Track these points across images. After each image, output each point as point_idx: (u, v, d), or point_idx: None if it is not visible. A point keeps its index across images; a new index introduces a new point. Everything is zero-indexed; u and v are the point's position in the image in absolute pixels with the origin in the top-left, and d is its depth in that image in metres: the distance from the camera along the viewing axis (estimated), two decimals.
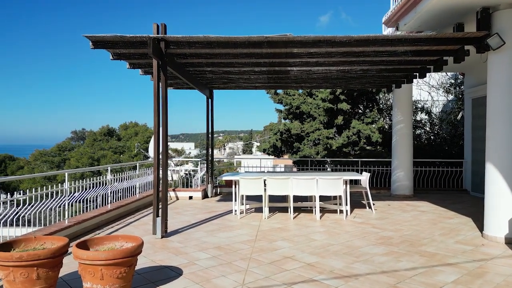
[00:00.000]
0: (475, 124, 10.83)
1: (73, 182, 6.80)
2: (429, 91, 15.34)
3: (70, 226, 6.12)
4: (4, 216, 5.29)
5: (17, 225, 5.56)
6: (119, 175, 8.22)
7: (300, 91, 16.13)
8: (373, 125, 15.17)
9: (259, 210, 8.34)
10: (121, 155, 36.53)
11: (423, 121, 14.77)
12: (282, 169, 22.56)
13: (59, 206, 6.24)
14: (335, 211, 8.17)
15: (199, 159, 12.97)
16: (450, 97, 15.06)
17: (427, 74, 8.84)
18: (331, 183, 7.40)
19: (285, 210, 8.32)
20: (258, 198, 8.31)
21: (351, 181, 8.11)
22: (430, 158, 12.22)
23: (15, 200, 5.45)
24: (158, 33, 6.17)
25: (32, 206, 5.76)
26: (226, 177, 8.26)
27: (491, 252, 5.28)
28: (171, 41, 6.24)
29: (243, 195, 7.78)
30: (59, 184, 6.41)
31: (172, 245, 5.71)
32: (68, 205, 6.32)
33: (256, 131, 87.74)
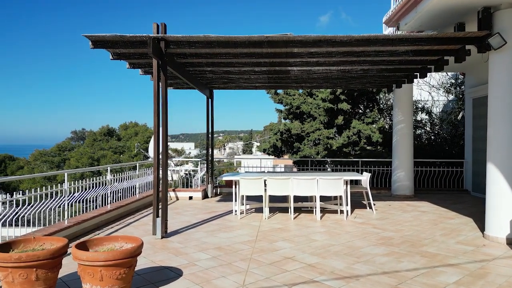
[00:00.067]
0: (476, 124, 10.81)
1: (73, 182, 6.78)
2: (429, 91, 15.32)
3: (69, 226, 6.10)
4: (4, 216, 5.27)
5: (17, 225, 5.54)
6: (119, 175, 8.20)
7: (300, 91, 16.11)
8: (374, 125, 15.15)
9: (259, 210, 8.32)
10: (121, 155, 36.52)
11: (423, 121, 14.75)
12: (282, 169, 22.55)
13: (59, 206, 6.22)
14: (335, 212, 8.15)
15: (199, 159, 12.95)
16: (451, 97, 15.04)
17: (428, 74, 8.82)
18: (332, 183, 7.38)
19: (285, 210, 8.30)
20: (258, 199, 8.29)
21: (351, 181, 8.08)
22: (431, 158, 12.20)
23: (14, 200, 5.42)
24: (158, 32, 6.15)
25: (32, 206, 5.74)
26: (226, 177, 8.24)
27: (492, 253, 5.26)
28: (171, 40, 6.22)
29: (243, 195, 7.76)
30: (59, 184, 6.39)
31: (172, 245, 5.69)
32: (68, 205, 6.29)
33: (256, 131, 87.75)
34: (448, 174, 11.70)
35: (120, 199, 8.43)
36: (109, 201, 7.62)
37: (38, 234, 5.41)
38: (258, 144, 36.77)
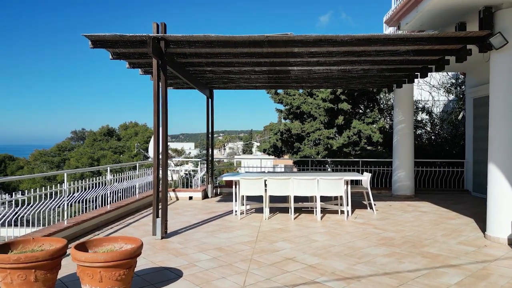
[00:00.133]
0: (477, 124, 10.79)
1: (72, 182, 6.75)
2: (430, 91, 15.30)
3: (69, 227, 6.07)
4: (3, 217, 5.25)
5: (16, 225, 5.51)
6: (119, 175, 8.18)
7: (301, 91, 16.08)
8: (374, 125, 15.12)
9: (260, 210, 8.29)
10: (121, 155, 36.51)
11: (424, 121, 14.73)
12: (282, 169, 22.53)
13: (59, 207, 6.20)
14: (336, 212, 8.12)
15: (199, 159, 12.93)
16: (451, 97, 15.02)
17: (428, 74, 8.80)
18: (332, 184, 7.36)
19: (285, 210, 8.27)
20: (259, 199, 8.26)
21: (352, 181, 8.06)
22: (431, 158, 12.18)
23: (13, 200, 5.40)
24: (158, 32, 6.12)
25: (31, 206, 5.72)
26: (226, 178, 8.21)
27: (494, 253, 5.23)
28: (171, 40, 6.19)
29: (243, 196, 7.73)
30: (58, 184, 6.36)
31: (172, 246, 5.66)
32: (67, 205, 6.27)
33: (256, 131, 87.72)
34: (449, 174, 11.67)
35: (120, 199, 8.40)
36: (109, 202, 7.60)
37: (37, 235, 5.39)
38: (258, 144, 36.76)
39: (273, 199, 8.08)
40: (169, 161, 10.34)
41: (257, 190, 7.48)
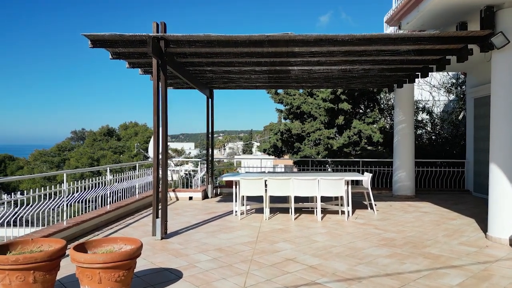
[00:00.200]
0: (477, 124, 10.76)
1: (72, 182, 6.72)
2: (430, 91, 15.27)
3: (68, 227, 6.04)
4: (3, 217, 5.22)
5: (15, 225, 5.49)
6: (119, 175, 8.15)
7: (301, 91, 16.06)
8: (374, 125, 15.10)
9: (260, 211, 8.27)
10: (121, 155, 36.49)
11: (424, 121, 14.70)
12: (282, 170, 22.51)
13: (58, 207, 6.17)
14: (336, 212, 8.09)
15: (199, 159, 12.90)
16: (452, 97, 14.99)
17: (429, 74, 8.77)
18: (333, 184, 7.33)
19: (286, 211, 8.24)
20: (259, 199, 8.23)
21: (352, 181, 8.03)
22: (432, 159, 12.15)
23: (12, 200, 5.37)
24: (157, 31, 6.09)
25: (31, 206, 5.69)
26: (226, 178, 8.19)
27: (495, 254, 5.20)
28: (171, 40, 6.17)
29: (243, 196, 7.70)
30: (58, 184, 6.33)
31: (172, 246, 5.63)
32: (67, 206, 6.24)
33: (256, 131, 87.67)
34: (450, 174, 11.65)
35: (120, 200, 8.37)
36: (108, 202, 7.57)
37: (36, 235, 5.35)
38: (258, 144, 36.73)
39: (273, 199, 8.06)
40: (169, 161, 10.32)
41: (257, 191, 7.45)
